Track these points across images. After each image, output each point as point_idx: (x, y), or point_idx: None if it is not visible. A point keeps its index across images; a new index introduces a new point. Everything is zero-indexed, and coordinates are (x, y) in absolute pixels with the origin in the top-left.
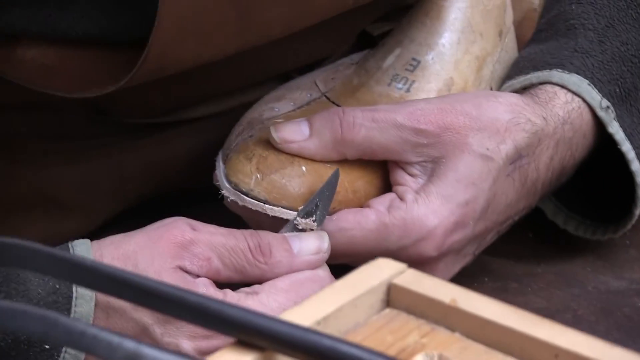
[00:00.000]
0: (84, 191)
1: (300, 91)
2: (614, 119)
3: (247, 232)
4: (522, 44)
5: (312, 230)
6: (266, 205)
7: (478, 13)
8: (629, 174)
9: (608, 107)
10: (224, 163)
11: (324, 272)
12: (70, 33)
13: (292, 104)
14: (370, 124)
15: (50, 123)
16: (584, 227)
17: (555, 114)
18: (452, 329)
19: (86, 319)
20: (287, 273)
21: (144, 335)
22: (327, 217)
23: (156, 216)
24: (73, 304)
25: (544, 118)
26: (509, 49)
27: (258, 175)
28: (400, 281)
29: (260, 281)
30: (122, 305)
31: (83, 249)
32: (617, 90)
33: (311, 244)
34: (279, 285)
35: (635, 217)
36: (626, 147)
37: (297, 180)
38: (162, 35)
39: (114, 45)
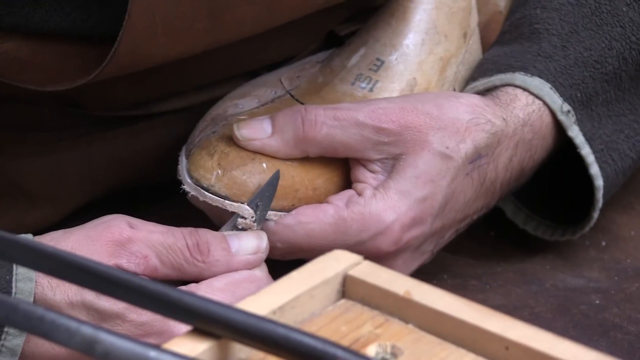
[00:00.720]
0: (52, 182)
1: (265, 88)
2: (574, 122)
3: (186, 231)
4: (487, 46)
5: (251, 229)
6: (226, 201)
7: (443, 15)
8: (588, 178)
9: (569, 111)
10: (187, 158)
11: (262, 272)
12: (43, 27)
13: (256, 100)
14: (332, 122)
15: (20, 114)
16: (543, 227)
17: (515, 116)
18: (405, 320)
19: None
20: (224, 272)
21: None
22: (286, 213)
23: (123, 208)
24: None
25: (504, 119)
26: (473, 51)
27: (219, 172)
28: (356, 273)
29: (197, 279)
30: (58, 302)
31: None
32: (579, 94)
33: (250, 244)
34: (215, 284)
35: (594, 220)
36: (585, 151)
37: (258, 177)
38: (132, 30)
39: (86, 40)
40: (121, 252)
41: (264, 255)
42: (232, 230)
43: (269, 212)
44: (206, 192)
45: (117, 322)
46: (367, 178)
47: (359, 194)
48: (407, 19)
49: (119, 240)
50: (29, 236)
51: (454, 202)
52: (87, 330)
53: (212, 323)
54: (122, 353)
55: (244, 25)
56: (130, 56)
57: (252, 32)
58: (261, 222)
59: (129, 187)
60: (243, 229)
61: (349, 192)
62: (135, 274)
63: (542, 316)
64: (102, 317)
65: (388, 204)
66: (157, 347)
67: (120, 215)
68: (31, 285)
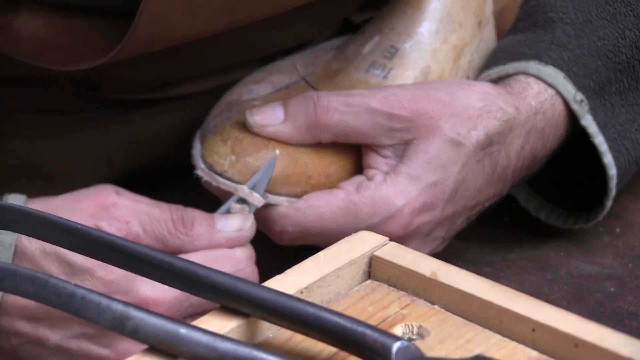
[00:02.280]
0: (69, 164)
1: (280, 74)
2: (588, 112)
3: (173, 206)
4: (502, 34)
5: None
6: (239, 187)
7: (458, 3)
8: (601, 166)
9: (582, 100)
10: (201, 143)
11: (242, 253)
12: (65, 1)
13: (271, 86)
14: (344, 108)
15: (38, 96)
16: (555, 215)
17: (527, 104)
18: (431, 301)
19: None
20: (206, 247)
21: None
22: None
23: (140, 192)
24: None
25: (516, 107)
26: (488, 39)
27: (232, 157)
28: (382, 253)
29: (179, 252)
30: (33, 251)
31: (14, 201)
32: (592, 84)
33: (235, 222)
34: (192, 258)
35: (607, 209)
36: (599, 139)
37: None
38: (151, 6)
39: (106, 16)
40: (103, 215)
41: (247, 234)
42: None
43: (281, 198)
44: (219, 177)
45: (85, 277)
46: (378, 164)
47: (370, 179)
48: (422, 8)
49: (103, 203)
50: (21, 197)
51: (465, 188)
52: (117, 307)
53: (240, 301)
54: (152, 330)
55: (264, 3)
56: (150, 32)
57: (272, 12)
58: (254, 208)
59: (146, 171)
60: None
61: (359, 178)
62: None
63: (556, 304)
64: (72, 270)
65: (398, 188)
66: (187, 324)
67: (109, 184)
68: (12, 237)
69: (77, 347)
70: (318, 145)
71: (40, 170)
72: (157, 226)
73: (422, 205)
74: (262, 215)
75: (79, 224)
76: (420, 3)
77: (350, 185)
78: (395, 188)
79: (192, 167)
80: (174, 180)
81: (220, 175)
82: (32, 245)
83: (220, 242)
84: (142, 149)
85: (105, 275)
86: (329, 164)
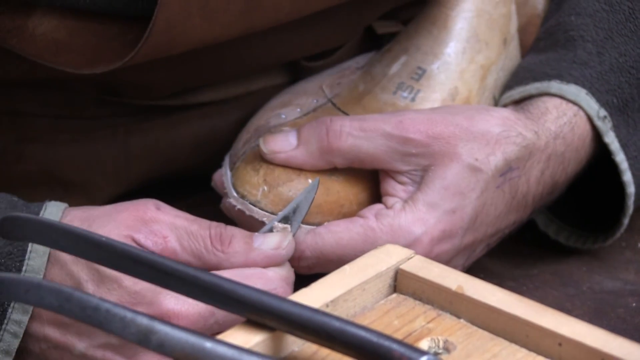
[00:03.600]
0: (88, 170)
1: (306, 96)
2: (611, 128)
3: (213, 223)
4: (525, 49)
5: None
6: (272, 217)
7: (484, 22)
8: (619, 184)
9: (605, 116)
10: (231, 171)
11: (275, 273)
12: (80, 3)
13: (298, 110)
14: (357, 133)
15: (59, 102)
16: (575, 237)
17: (547, 129)
18: (458, 315)
19: (38, 272)
20: (242, 264)
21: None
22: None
23: (158, 199)
24: (26, 257)
25: (535, 132)
26: (513, 56)
27: (265, 188)
28: (408, 267)
29: (216, 269)
30: (64, 257)
31: (54, 210)
32: (615, 100)
33: (272, 240)
34: (223, 275)
35: (624, 227)
36: (620, 157)
37: None
38: (167, 9)
39: (122, 19)
40: (141, 228)
41: (284, 253)
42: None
43: (306, 226)
44: (253, 207)
45: (113, 286)
46: (396, 190)
47: (389, 207)
48: (449, 27)
49: (142, 217)
50: (60, 204)
51: (485, 215)
52: (142, 320)
53: (266, 315)
54: (177, 343)
55: (281, 9)
56: (166, 36)
57: (288, 17)
58: (296, 228)
59: (164, 178)
60: None
61: (378, 206)
62: (152, 252)
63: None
64: (101, 278)
65: (416, 216)
66: (212, 338)
67: (152, 199)
68: (42, 260)
69: (101, 357)
70: (349, 173)
71: (60, 176)
72: (195, 242)
73: (441, 233)
74: None
75: (103, 236)
76: (446, 22)
77: (369, 212)
78: (413, 216)
79: (210, 177)
80: (192, 188)
81: (254, 205)
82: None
83: (256, 261)
84: (161, 156)
85: (132, 285)
86: (360, 192)
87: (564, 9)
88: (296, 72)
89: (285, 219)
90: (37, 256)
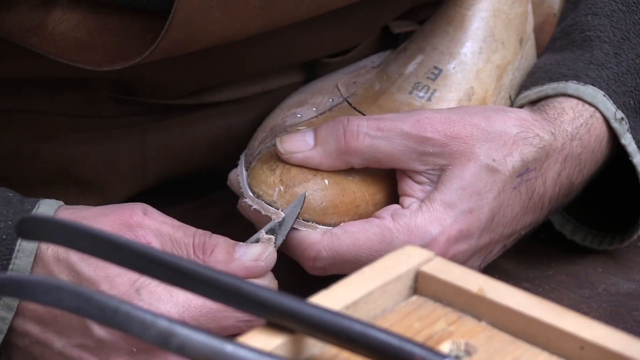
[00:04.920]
0: (103, 170)
1: (322, 95)
2: (628, 130)
3: (199, 231)
4: (540, 49)
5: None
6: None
7: (500, 22)
8: (637, 186)
9: (622, 118)
10: (247, 170)
11: None
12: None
13: (314, 109)
14: (375, 133)
15: (75, 101)
16: (591, 237)
17: (563, 130)
18: (479, 317)
19: (24, 271)
20: None
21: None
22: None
23: (174, 199)
24: (14, 255)
25: (552, 133)
26: (529, 56)
27: (281, 188)
28: (428, 269)
29: None
30: (48, 257)
31: (46, 208)
32: (632, 102)
33: (253, 251)
34: None
35: None
36: (637, 159)
37: (320, 194)
38: (186, 3)
39: (142, 18)
40: (126, 232)
41: (263, 265)
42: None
43: (322, 227)
44: (269, 207)
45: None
46: (414, 190)
47: (405, 207)
48: (465, 27)
49: (128, 221)
50: (55, 202)
51: (501, 216)
52: (162, 323)
53: (287, 318)
54: (198, 347)
55: (301, 4)
56: (185, 31)
57: (308, 13)
58: (281, 240)
59: (180, 178)
60: None
61: (395, 206)
62: (172, 254)
63: None
64: (79, 280)
65: (433, 216)
66: (232, 341)
67: (141, 203)
68: (34, 245)
69: (77, 356)
70: (366, 174)
71: (75, 175)
72: (178, 249)
73: (458, 233)
74: (296, 240)
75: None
76: (463, 22)
77: (386, 212)
78: (430, 216)
79: (225, 176)
80: (208, 188)
81: (270, 205)
82: (48, 251)
83: (235, 271)
84: (177, 156)
85: (109, 289)
86: (376, 192)
87: (580, 8)
88: (313, 71)
89: (272, 231)
90: (23, 255)
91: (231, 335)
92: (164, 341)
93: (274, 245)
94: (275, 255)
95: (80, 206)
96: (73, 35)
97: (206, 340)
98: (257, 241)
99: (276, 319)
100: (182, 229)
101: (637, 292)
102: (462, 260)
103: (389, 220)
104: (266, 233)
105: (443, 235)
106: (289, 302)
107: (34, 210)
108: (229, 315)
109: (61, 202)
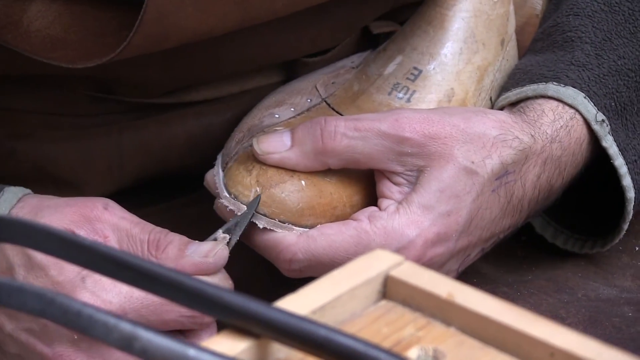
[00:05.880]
0: (80, 168)
1: (300, 96)
2: (609, 132)
3: (156, 228)
4: (522, 50)
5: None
6: (264, 218)
7: (481, 23)
8: (618, 189)
9: (603, 120)
10: (223, 170)
11: None
12: None
13: (292, 109)
14: (352, 133)
15: (52, 99)
16: (572, 241)
17: (543, 132)
18: (448, 323)
19: None
20: None
21: (8, 274)
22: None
23: (150, 198)
24: None
25: (532, 136)
26: (510, 57)
27: (257, 189)
28: (398, 273)
29: None
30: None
31: (9, 196)
32: (613, 104)
33: (203, 248)
34: None
35: (623, 232)
36: (619, 161)
37: (297, 195)
38: None
39: (118, 16)
40: (84, 224)
41: (211, 261)
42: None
43: (298, 228)
44: (245, 208)
45: (40, 274)
46: (392, 192)
47: (383, 209)
48: (445, 28)
49: (87, 215)
50: (21, 190)
51: (480, 219)
52: (125, 326)
53: (252, 322)
54: (160, 351)
55: (276, 1)
56: (158, 27)
57: (285, 10)
58: (234, 240)
59: (157, 177)
60: None
61: (372, 208)
62: (137, 257)
63: (573, 328)
64: (31, 264)
65: (411, 218)
66: (196, 345)
67: (105, 198)
68: None
69: (25, 340)
70: (343, 175)
71: (52, 174)
72: (133, 245)
73: (435, 236)
74: (272, 242)
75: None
76: (443, 23)
77: (363, 215)
78: (407, 218)
79: (202, 176)
80: (184, 188)
81: (246, 206)
82: None
83: (184, 267)
84: (154, 155)
85: (56, 275)
86: (354, 194)
87: (562, 9)
88: (292, 71)
89: (229, 231)
90: None
91: (176, 331)
92: (127, 344)
93: (227, 244)
94: (225, 252)
95: (46, 196)
96: (48, 32)
97: (169, 345)
98: (215, 240)
99: (241, 323)
100: (140, 225)
101: (617, 298)
102: (440, 263)
103: (366, 222)
104: (223, 232)
105: (420, 238)
106: (254, 306)
107: None
108: (171, 309)
109: (28, 190)
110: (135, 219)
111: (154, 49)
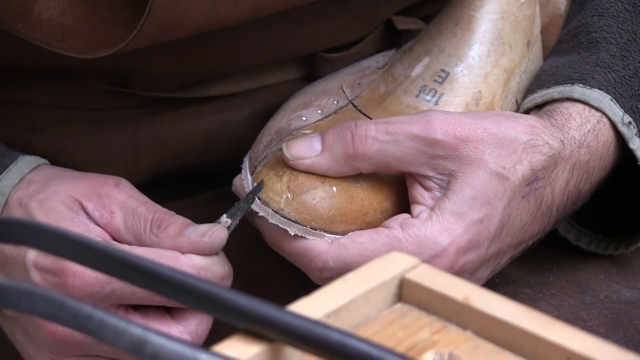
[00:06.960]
0: (95, 163)
1: (327, 97)
2: (636, 134)
3: (162, 209)
4: (547, 50)
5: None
6: (295, 225)
7: (508, 24)
8: None
9: (630, 122)
10: (251, 174)
11: (188, 259)
12: None
13: (319, 111)
14: (383, 137)
15: (67, 92)
16: (596, 242)
17: (571, 137)
18: (463, 327)
19: None
20: (170, 249)
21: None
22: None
23: (167, 193)
24: None
25: (561, 141)
26: (536, 59)
27: (289, 195)
28: (413, 276)
29: None
30: (13, 200)
31: (23, 165)
32: (639, 105)
33: (201, 229)
34: (137, 251)
35: None
36: None
37: (328, 202)
38: None
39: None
40: (93, 198)
41: (207, 240)
42: None
43: (330, 235)
44: (276, 214)
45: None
46: (424, 198)
47: (415, 217)
48: (473, 29)
49: (98, 190)
50: (33, 159)
51: (510, 226)
52: (136, 330)
53: (265, 326)
54: (171, 355)
55: None
56: (168, 15)
57: (299, 1)
58: (234, 224)
59: (173, 174)
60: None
61: (403, 215)
62: (97, 224)
63: (594, 330)
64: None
65: (444, 226)
66: (208, 349)
67: (117, 176)
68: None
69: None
70: (373, 180)
71: (67, 167)
72: (137, 222)
73: (467, 243)
74: (303, 250)
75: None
76: (470, 24)
77: (394, 222)
78: (440, 226)
79: (220, 172)
80: (201, 183)
81: (277, 212)
82: (14, 196)
83: (181, 246)
84: (170, 151)
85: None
86: (384, 200)
87: (586, 9)
88: (312, 66)
89: (232, 215)
90: None
91: (162, 309)
92: (137, 349)
93: (227, 227)
94: (222, 234)
95: (64, 168)
96: (59, 21)
97: (180, 349)
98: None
99: (254, 327)
100: (148, 205)
101: (639, 300)
102: (471, 271)
103: (398, 230)
104: (227, 217)
105: (453, 245)
106: (267, 309)
107: (11, 166)
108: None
109: (44, 160)
110: (144, 198)
111: (165, 38)
